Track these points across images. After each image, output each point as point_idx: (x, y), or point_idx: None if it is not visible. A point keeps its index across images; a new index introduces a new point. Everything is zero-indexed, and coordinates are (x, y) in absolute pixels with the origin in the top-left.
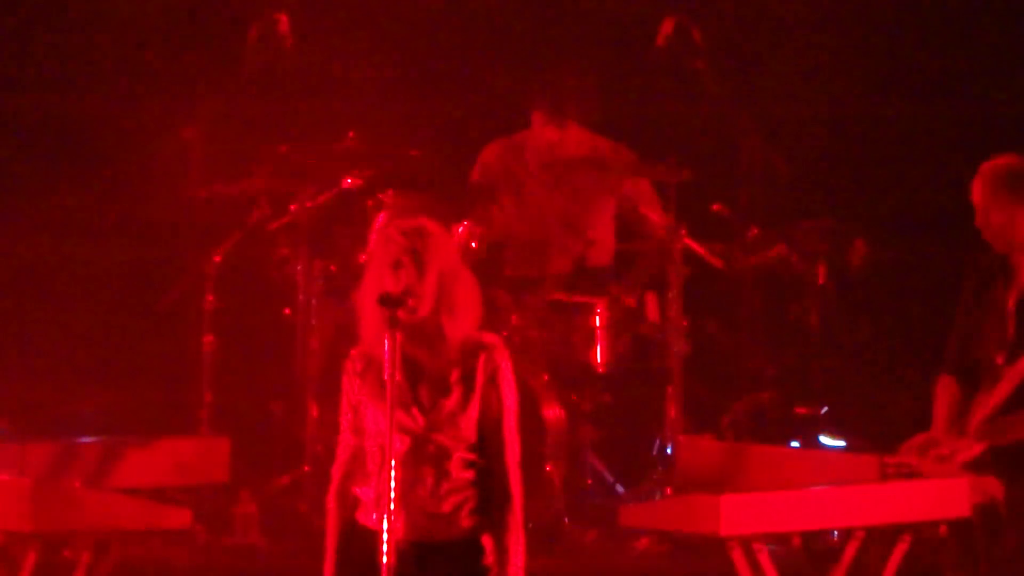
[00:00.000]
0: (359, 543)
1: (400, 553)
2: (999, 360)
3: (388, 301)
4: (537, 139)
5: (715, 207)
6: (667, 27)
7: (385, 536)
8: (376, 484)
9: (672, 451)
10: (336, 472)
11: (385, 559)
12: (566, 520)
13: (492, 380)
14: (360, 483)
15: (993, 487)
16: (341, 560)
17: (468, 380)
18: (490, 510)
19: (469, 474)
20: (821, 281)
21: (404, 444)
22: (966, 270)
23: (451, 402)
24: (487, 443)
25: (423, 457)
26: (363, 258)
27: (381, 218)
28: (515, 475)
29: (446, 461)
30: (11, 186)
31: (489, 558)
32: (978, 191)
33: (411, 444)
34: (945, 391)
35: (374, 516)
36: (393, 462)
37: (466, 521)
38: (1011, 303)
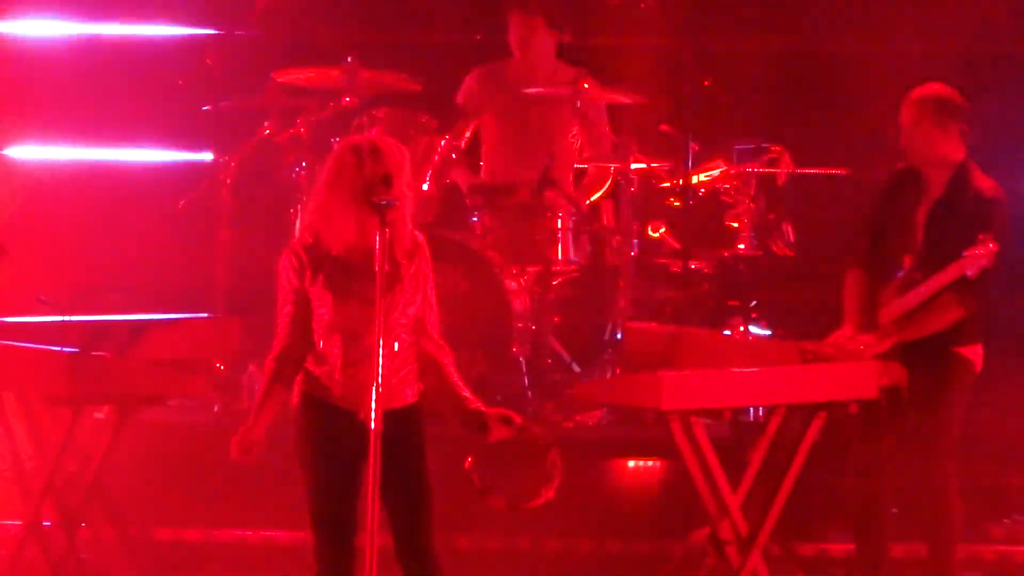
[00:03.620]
0: (316, 414)
1: (359, 422)
2: (907, 262)
3: (381, 206)
4: (514, 66)
5: (662, 127)
6: None
7: (374, 407)
8: (340, 363)
9: (621, 336)
10: (278, 348)
11: (373, 425)
12: (529, 394)
13: (428, 273)
14: (314, 362)
15: (897, 372)
16: (299, 429)
17: (412, 273)
18: (426, 380)
19: (409, 352)
20: (752, 192)
21: (364, 328)
22: (884, 177)
23: (401, 292)
24: (423, 325)
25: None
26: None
27: (375, 132)
28: (446, 345)
29: (394, 341)
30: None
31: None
32: (906, 114)
33: (370, 328)
34: (855, 284)
35: (333, 392)
36: (382, 344)
37: (408, 391)
38: (921, 212)
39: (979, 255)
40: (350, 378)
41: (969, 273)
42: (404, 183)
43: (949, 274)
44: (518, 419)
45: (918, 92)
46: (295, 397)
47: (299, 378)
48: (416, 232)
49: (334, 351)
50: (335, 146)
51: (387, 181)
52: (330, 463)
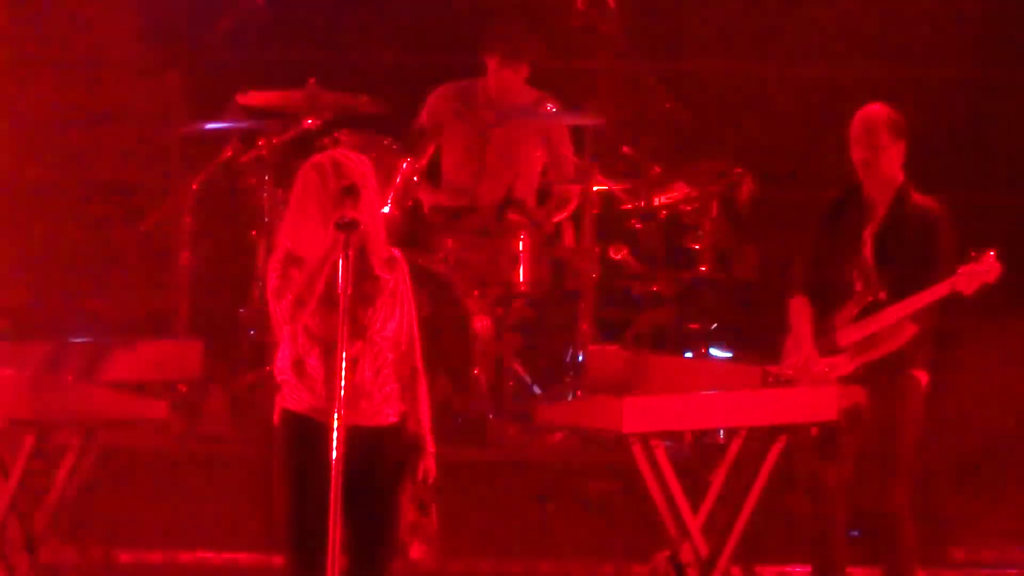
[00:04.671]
0: (299, 431)
1: (346, 439)
2: (857, 285)
3: (343, 225)
4: (485, 87)
5: (624, 149)
6: None
7: (336, 426)
8: (323, 375)
9: (583, 359)
10: None
11: (334, 454)
12: (491, 417)
13: (407, 289)
14: (295, 376)
15: (857, 394)
16: (282, 446)
17: (392, 288)
18: (406, 400)
19: (391, 369)
20: (714, 215)
21: (353, 345)
22: (821, 202)
23: (382, 305)
24: (402, 343)
25: (362, 354)
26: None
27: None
28: (422, 371)
29: (379, 358)
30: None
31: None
32: (857, 129)
33: (355, 344)
34: (802, 309)
35: (317, 406)
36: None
37: (390, 409)
38: (868, 232)
39: (977, 272)
40: (333, 390)
41: (966, 291)
42: (371, 194)
43: (939, 291)
44: (424, 481)
45: (870, 110)
46: (276, 416)
47: (279, 396)
48: (391, 247)
49: (316, 363)
50: (300, 167)
51: (352, 191)
52: (313, 480)
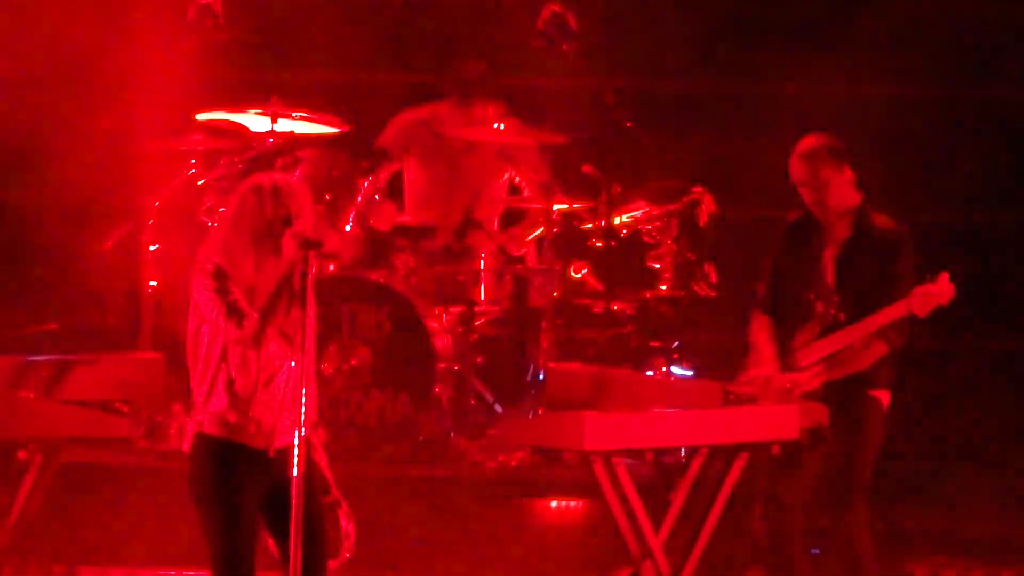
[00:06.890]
0: (226, 455)
1: (268, 459)
2: (818, 307)
3: (308, 244)
4: (444, 111)
5: (585, 168)
6: (546, 13)
7: (296, 452)
8: (254, 399)
9: (544, 376)
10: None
11: (295, 472)
12: (452, 435)
13: (311, 292)
14: (226, 395)
15: (818, 412)
16: (210, 472)
17: (300, 297)
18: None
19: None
20: (674, 233)
21: (276, 361)
22: (780, 225)
23: (294, 318)
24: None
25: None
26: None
27: (299, 172)
28: (312, 367)
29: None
30: None
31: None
32: (796, 168)
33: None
34: (763, 327)
35: (246, 430)
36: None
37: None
38: (827, 255)
39: (932, 293)
40: (263, 412)
41: (920, 313)
42: (307, 222)
43: (895, 312)
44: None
45: (802, 145)
46: (190, 440)
47: (194, 420)
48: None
49: (245, 384)
50: (240, 186)
51: (288, 222)
52: (243, 504)
